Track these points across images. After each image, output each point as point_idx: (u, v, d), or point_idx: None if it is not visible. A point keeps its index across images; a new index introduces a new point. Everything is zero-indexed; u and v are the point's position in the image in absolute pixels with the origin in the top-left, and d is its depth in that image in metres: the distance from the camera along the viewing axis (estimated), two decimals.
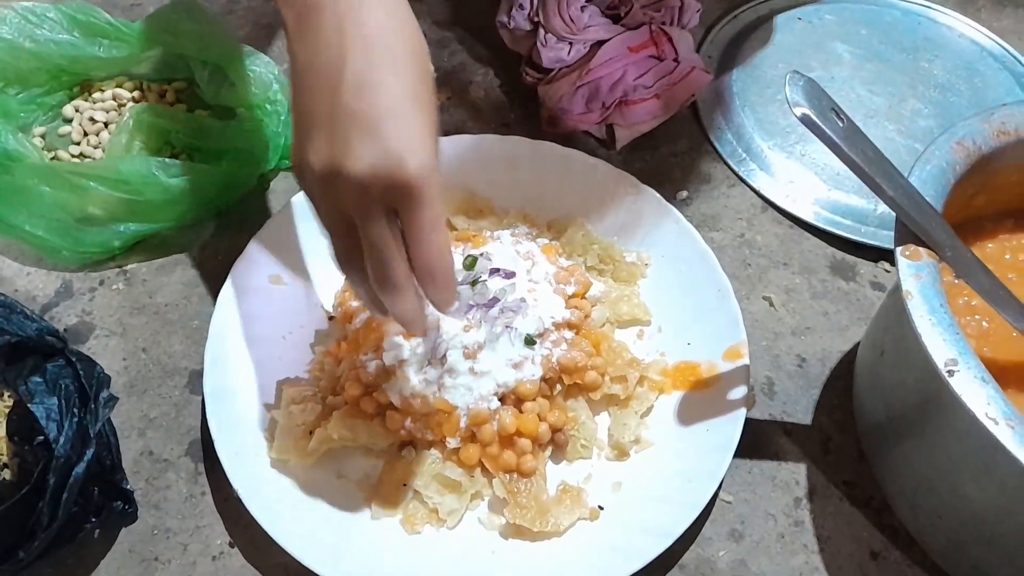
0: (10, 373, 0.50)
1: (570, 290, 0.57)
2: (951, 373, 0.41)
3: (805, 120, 0.42)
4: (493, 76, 0.77)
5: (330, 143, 0.40)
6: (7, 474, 0.51)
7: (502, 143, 0.66)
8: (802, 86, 0.43)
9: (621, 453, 0.55)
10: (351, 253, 0.43)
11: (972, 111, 0.54)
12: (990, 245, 0.54)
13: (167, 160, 0.62)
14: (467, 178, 0.65)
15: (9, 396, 0.53)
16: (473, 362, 0.52)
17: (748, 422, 0.54)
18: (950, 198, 0.48)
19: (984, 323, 0.51)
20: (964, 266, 0.46)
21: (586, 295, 0.59)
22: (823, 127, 0.42)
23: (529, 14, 0.69)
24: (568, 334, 0.55)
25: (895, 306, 0.51)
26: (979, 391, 0.40)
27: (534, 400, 0.53)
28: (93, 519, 0.49)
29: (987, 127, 0.51)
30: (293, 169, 0.44)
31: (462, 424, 0.52)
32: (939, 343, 0.42)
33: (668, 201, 0.63)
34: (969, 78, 0.78)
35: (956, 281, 0.48)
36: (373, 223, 0.41)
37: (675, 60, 0.69)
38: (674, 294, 0.61)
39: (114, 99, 0.70)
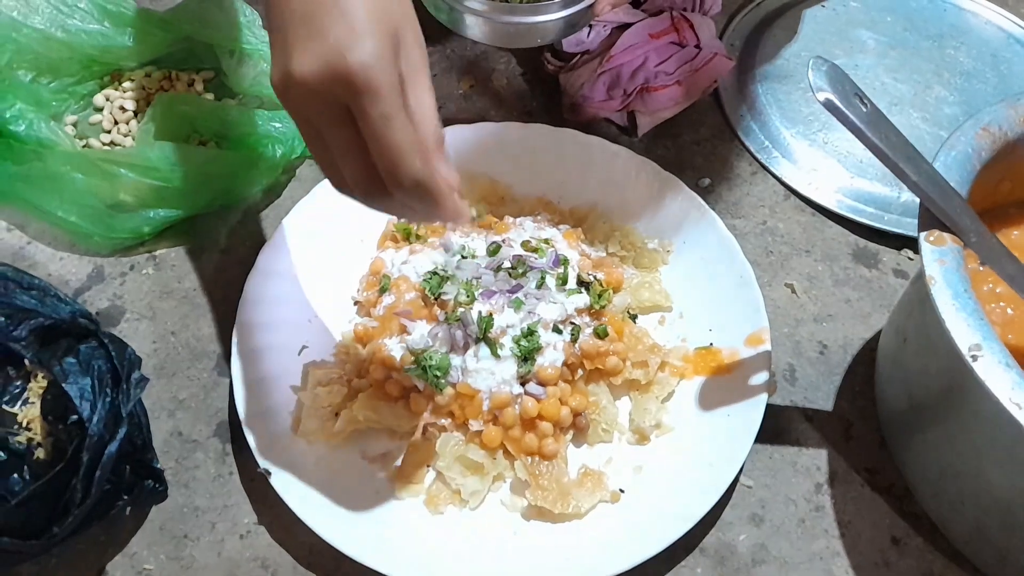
0: (44, 354, 0.51)
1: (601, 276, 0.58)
2: (975, 358, 0.41)
3: (828, 105, 0.42)
4: (515, 64, 0.77)
5: (282, 51, 0.38)
6: (41, 452, 0.53)
7: (524, 131, 0.66)
8: (825, 71, 0.43)
9: (642, 437, 0.56)
10: (326, 162, 0.41)
11: (998, 98, 0.53)
12: (1015, 232, 0.54)
13: (195, 148, 0.63)
14: (489, 166, 0.66)
15: (43, 377, 0.55)
16: (496, 346, 0.53)
17: (769, 408, 0.54)
18: (975, 185, 0.48)
19: (1009, 310, 0.50)
20: (989, 252, 0.46)
21: (620, 289, 0.59)
22: (846, 112, 0.42)
23: None
24: (590, 320, 0.56)
25: (918, 292, 0.51)
26: (1003, 376, 0.40)
27: (556, 385, 0.54)
28: (125, 496, 0.50)
29: (1013, 113, 0.50)
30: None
31: (484, 407, 0.53)
32: (963, 328, 0.42)
33: (690, 188, 0.63)
34: (995, 65, 0.77)
35: (981, 268, 0.48)
36: (329, 128, 0.38)
37: (697, 46, 0.69)
38: (696, 281, 0.61)
39: (143, 88, 0.71)
